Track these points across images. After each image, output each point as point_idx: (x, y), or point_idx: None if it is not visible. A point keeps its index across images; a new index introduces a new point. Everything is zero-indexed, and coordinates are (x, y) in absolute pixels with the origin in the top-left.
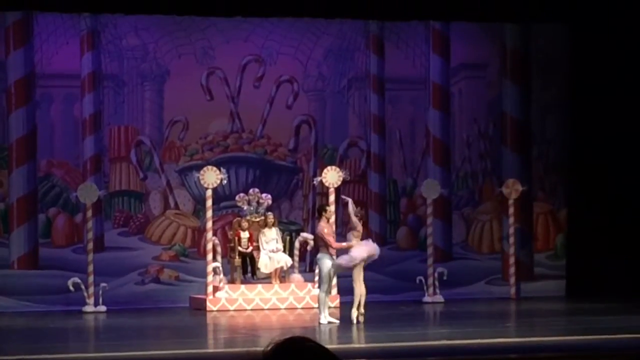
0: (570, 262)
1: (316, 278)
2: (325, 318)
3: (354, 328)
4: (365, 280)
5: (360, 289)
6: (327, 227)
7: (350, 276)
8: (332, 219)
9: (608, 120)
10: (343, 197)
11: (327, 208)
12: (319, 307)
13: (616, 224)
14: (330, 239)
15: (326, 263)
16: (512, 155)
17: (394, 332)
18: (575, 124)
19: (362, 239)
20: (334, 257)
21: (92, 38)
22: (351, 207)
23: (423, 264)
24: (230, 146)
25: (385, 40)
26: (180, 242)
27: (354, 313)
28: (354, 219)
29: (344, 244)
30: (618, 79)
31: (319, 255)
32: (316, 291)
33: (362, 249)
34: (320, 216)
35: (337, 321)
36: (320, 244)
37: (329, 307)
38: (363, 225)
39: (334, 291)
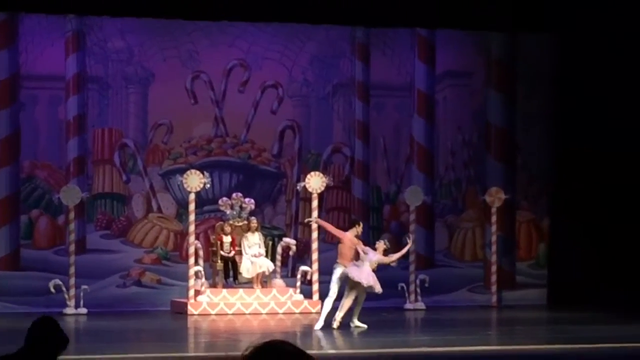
0: (551, 271)
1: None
2: (321, 323)
3: (335, 333)
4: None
5: (347, 301)
6: (349, 235)
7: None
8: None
9: (592, 131)
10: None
11: (360, 223)
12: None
13: (598, 234)
14: (333, 228)
15: (337, 272)
16: (496, 164)
17: (374, 339)
18: (559, 134)
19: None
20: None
21: (77, 40)
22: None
23: (405, 271)
24: (214, 150)
25: (370, 46)
26: (163, 245)
27: (338, 316)
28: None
29: (336, 230)
30: (602, 89)
31: (334, 265)
32: (297, 296)
33: (370, 279)
34: (351, 227)
35: (318, 328)
36: (340, 252)
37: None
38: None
39: (316, 296)
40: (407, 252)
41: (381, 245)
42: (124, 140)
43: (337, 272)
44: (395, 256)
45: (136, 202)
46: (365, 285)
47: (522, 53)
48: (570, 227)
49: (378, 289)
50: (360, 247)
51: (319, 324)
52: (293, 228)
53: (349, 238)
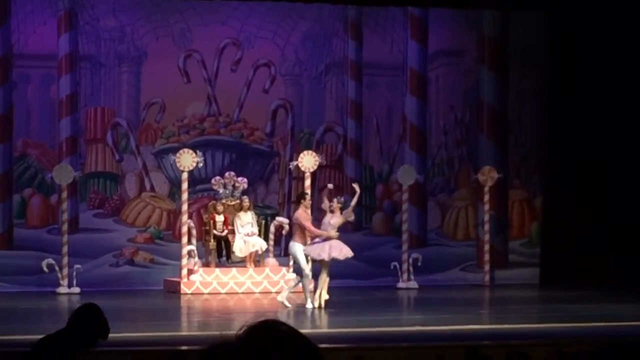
0: (544, 250)
1: (291, 262)
2: (311, 303)
3: (327, 313)
4: (339, 265)
5: (323, 275)
6: (304, 215)
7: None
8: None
9: (585, 109)
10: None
11: (307, 195)
12: (305, 294)
13: (590, 213)
14: (308, 225)
15: (300, 250)
16: (488, 143)
17: (367, 318)
18: (551, 112)
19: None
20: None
21: (70, 19)
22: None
23: (398, 249)
24: (207, 129)
25: (363, 25)
26: (156, 224)
27: (317, 297)
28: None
29: (322, 231)
30: (595, 67)
31: (291, 243)
32: (291, 275)
33: (331, 250)
34: (298, 203)
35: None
36: (295, 231)
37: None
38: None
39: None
40: (360, 199)
41: (336, 205)
42: (116, 119)
43: (299, 248)
44: (349, 210)
45: (129, 181)
46: (327, 259)
47: (514, 31)
48: (563, 205)
49: (344, 254)
50: (328, 210)
51: (309, 304)
52: (286, 207)
53: (301, 217)
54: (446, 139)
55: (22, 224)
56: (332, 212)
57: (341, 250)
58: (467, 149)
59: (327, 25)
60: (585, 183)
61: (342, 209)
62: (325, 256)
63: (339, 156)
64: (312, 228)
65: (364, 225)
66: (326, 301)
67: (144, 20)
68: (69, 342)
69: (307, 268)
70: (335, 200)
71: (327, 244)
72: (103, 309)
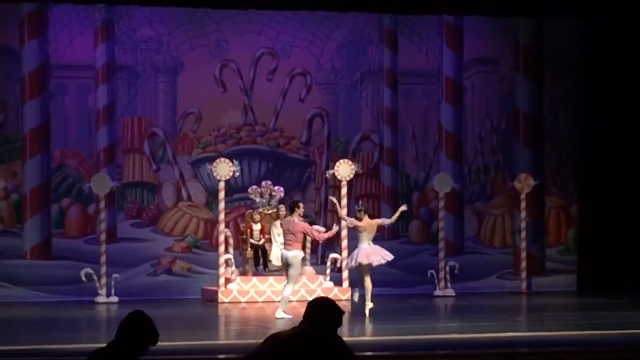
0: (581, 257)
1: (306, 269)
2: (283, 313)
3: (365, 320)
4: (377, 273)
5: (366, 283)
6: (303, 223)
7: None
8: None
9: (620, 116)
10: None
11: (300, 204)
12: (282, 302)
13: (627, 220)
14: (314, 232)
15: (300, 258)
16: (524, 150)
17: (404, 325)
18: (587, 119)
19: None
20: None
21: (106, 29)
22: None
23: (435, 257)
24: (243, 138)
25: (398, 33)
26: (193, 233)
27: (367, 306)
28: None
29: (329, 232)
30: (630, 75)
31: (296, 252)
32: (327, 284)
33: (364, 255)
34: (292, 212)
35: (290, 316)
36: (292, 240)
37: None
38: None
39: (346, 284)
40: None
41: (360, 212)
42: (153, 129)
43: (299, 260)
44: (392, 220)
45: (166, 191)
46: (365, 263)
47: (549, 39)
48: (599, 212)
49: (385, 258)
50: (349, 220)
51: (281, 314)
52: (322, 215)
53: (302, 225)
54: (482, 147)
55: (60, 233)
56: (359, 219)
57: (381, 255)
58: (503, 156)
59: (363, 33)
60: (621, 189)
61: (366, 212)
62: (365, 260)
63: (375, 164)
64: (318, 234)
65: (400, 233)
66: (371, 310)
67: (180, 30)
68: (121, 351)
69: (298, 282)
70: (357, 208)
71: (362, 250)
72: None
